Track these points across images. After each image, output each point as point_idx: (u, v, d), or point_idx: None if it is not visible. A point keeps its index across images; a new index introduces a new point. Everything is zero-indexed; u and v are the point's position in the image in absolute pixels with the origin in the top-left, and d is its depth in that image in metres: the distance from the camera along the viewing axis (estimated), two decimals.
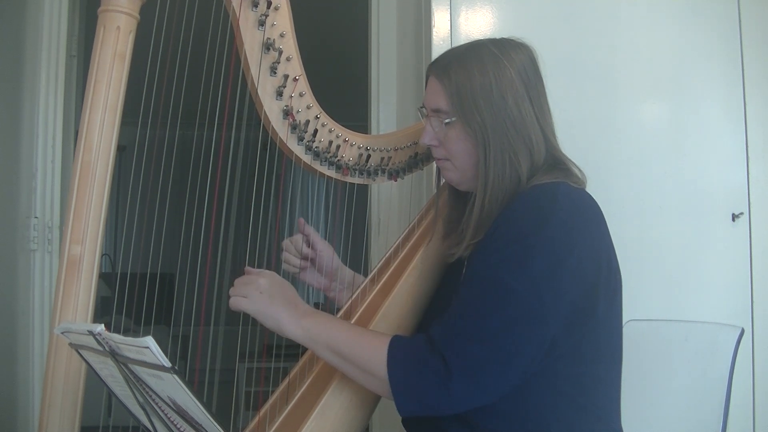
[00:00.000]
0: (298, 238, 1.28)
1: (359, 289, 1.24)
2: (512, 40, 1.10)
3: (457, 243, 1.09)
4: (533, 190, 1.01)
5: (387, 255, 1.28)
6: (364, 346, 1.00)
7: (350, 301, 1.22)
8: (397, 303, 1.14)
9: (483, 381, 0.94)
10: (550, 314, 0.95)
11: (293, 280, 1.21)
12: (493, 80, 1.04)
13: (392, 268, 1.23)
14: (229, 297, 1.05)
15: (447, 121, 1.08)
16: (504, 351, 0.94)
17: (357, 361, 1.00)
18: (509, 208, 1.01)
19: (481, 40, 1.11)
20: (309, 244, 1.29)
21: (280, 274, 1.10)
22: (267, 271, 1.08)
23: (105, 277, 3.66)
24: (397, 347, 0.98)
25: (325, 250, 1.30)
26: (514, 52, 1.07)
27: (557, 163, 1.08)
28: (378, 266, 1.27)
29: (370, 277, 1.25)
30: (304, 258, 1.29)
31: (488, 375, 0.94)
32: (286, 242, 1.29)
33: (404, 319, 1.14)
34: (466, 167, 1.09)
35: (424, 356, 0.95)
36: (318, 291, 1.35)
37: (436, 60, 1.12)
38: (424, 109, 1.15)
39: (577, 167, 1.10)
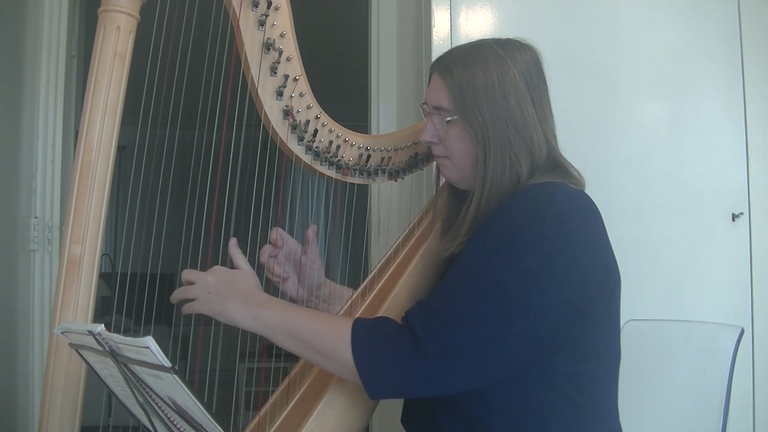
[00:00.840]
0: (274, 232, 1.23)
1: (359, 290, 1.24)
2: (517, 40, 1.10)
3: (451, 240, 1.09)
4: (531, 189, 1.01)
5: (387, 255, 1.28)
6: (327, 331, 0.99)
7: (350, 302, 1.22)
8: (398, 303, 1.14)
9: (454, 365, 0.93)
10: (534, 311, 0.94)
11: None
12: (496, 80, 1.04)
13: (392, 268, 1.23)
14: (176, 302, 1.04)
15: (448, 119, 1.08)
16: (479, 340, 0.93)
17: (320, 347, 0.98)
18: (504, 204, 1.01)
19: (485, 39, 1.11)
20: (305, 250, 1.25)
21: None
22: (215, 267, 1.06)
23: (105, 277, 3.66)
24: (361, 327, 0.97)
25: (317, 263, 1.27)
26: (518, 52, 1.07)
27: (556, 165, 1.08)
28: (378, 266, 1.27)
29: (370, 277, 1.25)
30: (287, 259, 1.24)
31: (460, 360, 0.93)
32: (267, 249, 1.22)
33: None
34: (465, 166, 1.09)
35: (391, 335, 0.95)
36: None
37: (440, 58, 1.12)
38: (425, 106, 1.15)
39: (576, 170, 1.10)
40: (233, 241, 1.12)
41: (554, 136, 1.10)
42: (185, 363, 3.36)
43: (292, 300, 1.26)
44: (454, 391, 0.96)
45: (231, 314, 1.01)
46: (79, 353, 0.86)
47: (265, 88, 1.14)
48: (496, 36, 1.13)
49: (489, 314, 0.93)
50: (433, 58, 1.15)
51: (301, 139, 1.19)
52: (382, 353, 0.95)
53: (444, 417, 1.04)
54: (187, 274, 1.05)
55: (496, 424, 1.01)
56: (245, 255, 1.18)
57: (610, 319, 1.05)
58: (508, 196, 1.04)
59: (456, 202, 1.19)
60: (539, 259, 0.94)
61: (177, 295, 1.06)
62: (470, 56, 1.07)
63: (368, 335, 0.96)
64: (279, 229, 1.23)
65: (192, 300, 1.04)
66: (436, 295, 0.98)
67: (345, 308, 1.22)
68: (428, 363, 0.92)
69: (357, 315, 1.17)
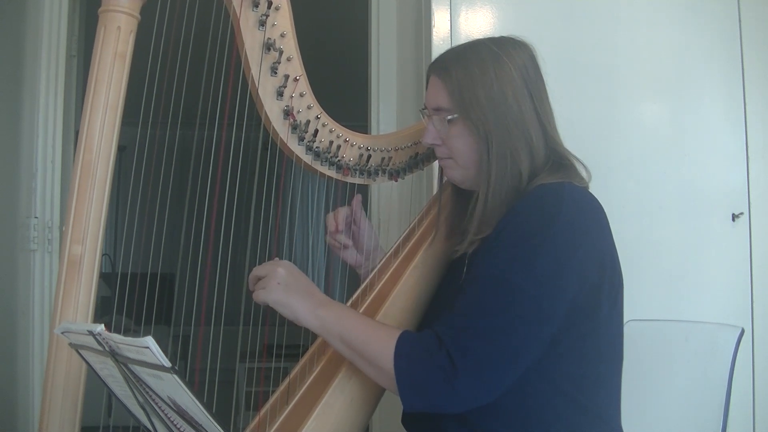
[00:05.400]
0: (341, 212, 1.28)
1: (360, 289, 1.24)
2: (511, 38, 1.11)
3: (461, 240, 1.10)
4: (539, 190, 1.02)
5: (387, 255, 1.28)
6: (374, 339, 1.00)
7: (351, 301, 1.22)
8: (398, 303, 1.14)
9: (487, 378, 0.94)
10: (554, 313, 0.96)
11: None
12: (494, 77, 1.05)
13: (393, 268, 1.23)
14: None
15: (449, 117, 1.08)
16: (509, 349, 0.94)
17: (366, 354, 1.00)
18: (515, 208, 1.01)
19: (480, 39, 1.12)
20: (354, 220, 1.30)
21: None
22: (284, 261, 1.09)
23: (105, 277, 3.65)
24: (405, 341, 0.98)
25: (367, 229, 1.31)
26: (514, 50, 1.08)
27: (562, 160, 1.08)
28: (378, 266, 1.27)
29: (370, 277, 1.25)
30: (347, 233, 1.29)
31: (493, 372, 0.94)
32: (328, 217, 1.29)
33: (405, 318, 1.14)
34: (468, 164, 1.10)
35: (430, 351, 0.95)
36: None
37: (437, 59, 1.12)
38: (425, 110, 1.15)
39: (582, 163, 1.10)
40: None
41: (555, 130, 1.10)
42: (185, 363, 3.36)
43: (351, 265, 1.33)
44: (484, 403, 0.96)
45: (295, 307, 1.03)
46: (79, 353, 0.86)
47: (265, 89, 1.14)
48: (492, 36, 1.13)
49: (515, 322, 0.94)
50: (434, 58, 1.15)
51: (301, 139, 1.19)
52: (420, 369, 0.95)
53: (446, 419, 1.04)
54: (257, 270, 1.08)
55: (500, 426, 1.01)
56: (245, 254, 1.19)
57: (614, 319, 1.06)
58: (513, 192, 1.04)
59: (459, 202, 1.19)
60: (554, 260, 0.95)
61: (251, 282, 1.08)
62: (466, 55, 1.08)
63: (410, 348, 0.97)
64: (359, 196, 1.29)
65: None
66: (463, 310, 0.98)
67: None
68: (464, 381, 0.93)
69: None
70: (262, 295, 1.05)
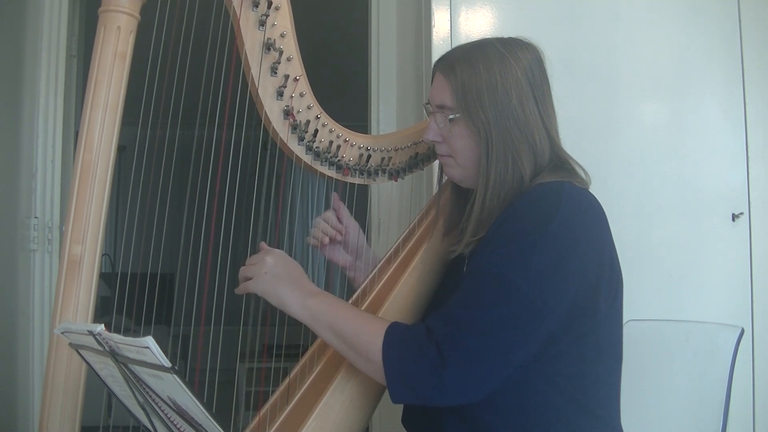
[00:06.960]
0: (330, 214, 1.28)
1: (359, 290, 1.24)
2: (519, 39, 1.11)
3: (458, 240, 1.10)
4: (537, 189, 1.01)
5: (387, 255, 1.28)
6: (364, 330, 1.00)
7: (350, 301, 1.22)
8: (398, 303, 1.14)
9: (476, 373, 0.93)
10: (550, 311, 0.95)
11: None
12: (499, 78, 1.04)
13: (392, 269, 1.23)
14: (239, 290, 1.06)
15: (451, 117, 1.08)
16: (501, 345, 0.93)
17: (355, 344, 1.00)
18: (513, 206, 1.01)
19: (488, 38, 1.12)
20: (339, 219, 1.30)
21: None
22: (276, 250, 1.09)
23: (105, 277, 3.65)
24: (394, 333, 0.98)
25: (352, 227, 1.31)
26: (521, 51, 1.07)
27: (562, 163, 1.08)
28: (378, 266, 1.27)
29: (370, 277, 1.25)
30: (334, 236, 1.29)
31: (482, 368, 0.93)
32: (317, 219, 1.30)
33: (405, 319, 1.14)
34: (468, 164, 1.09)
35: (419, 343, 0.94)
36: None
37: (443, 56, 1.12)
38: (429, 106, 1.15)
39: (582, 168, 1.10)
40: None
41: (557, 134, 1.10)
42: (185, 363, 3.36)
43: (342, 266, 1.32)
44: (473, 399, 0.96)
45: (283, 297, 1.03)
46: (79, 353, 0.86)
47: (265, 89, 1.14)
48: (497, 36, 1.13)
49: (508, 319, 0.93)
50: (434, 58, 1.15)
51: (301, 139, 1.19)
52: (409, 360, 0.95)
53: (447, 418, 1.04)
54: (248, 260, 1.08)
55: (500, 425, 1.01)
56: (246, 254, 1.18)
57: (614, 319, 1.06)
58: (514, 195, 1.04)
59: (459, 201, 1.19)
60: (552, 259, 0.95)
61: (241, 273, 1.08)
62: (473, 55, 1.07)
63: (399, 340, 0.97)
64: (336, 194, 1.28)
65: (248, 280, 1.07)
66: (456, 304, 0.98)
67: None
68: (452, 373, 0.92)
69: None
70: (250, 285, 1.05)
